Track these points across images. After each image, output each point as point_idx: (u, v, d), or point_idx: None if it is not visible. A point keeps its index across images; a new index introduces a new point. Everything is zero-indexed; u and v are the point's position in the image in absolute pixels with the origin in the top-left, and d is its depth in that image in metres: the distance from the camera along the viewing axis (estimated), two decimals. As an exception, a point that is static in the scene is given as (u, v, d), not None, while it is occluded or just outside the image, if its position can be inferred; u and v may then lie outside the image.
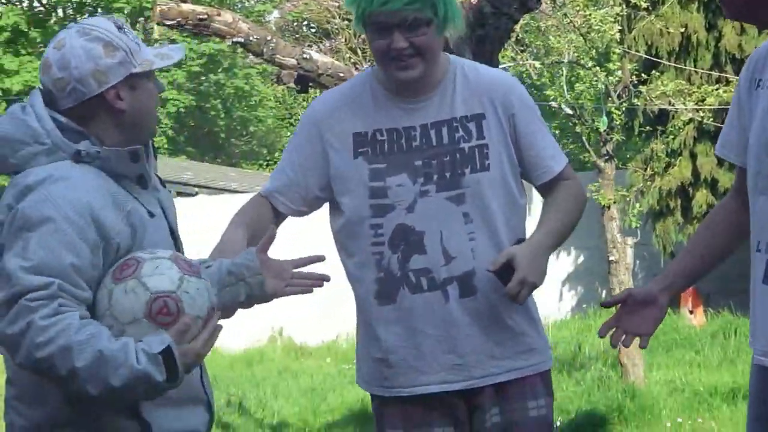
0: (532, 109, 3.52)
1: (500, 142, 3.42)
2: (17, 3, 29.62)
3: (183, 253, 3.04)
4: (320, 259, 3.26)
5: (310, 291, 3.23)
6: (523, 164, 3.47)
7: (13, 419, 2.89)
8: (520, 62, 13.92)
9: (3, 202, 2.83)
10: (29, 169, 2.84)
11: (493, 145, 3.41)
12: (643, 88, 13.24)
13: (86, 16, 30.05)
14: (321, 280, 3.22)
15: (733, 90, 12.33)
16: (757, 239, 2.92)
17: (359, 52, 15.69)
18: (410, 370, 3.43)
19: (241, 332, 14.35)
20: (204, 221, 15.96)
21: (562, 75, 12.91)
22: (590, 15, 12.07)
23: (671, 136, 15.59)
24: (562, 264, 17.28)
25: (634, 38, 15.00)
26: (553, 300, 17.10)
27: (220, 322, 2.86)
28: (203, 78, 30.47)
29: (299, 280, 3.21)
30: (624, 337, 3.23)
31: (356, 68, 11.10)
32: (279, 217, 3.55)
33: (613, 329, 3.27)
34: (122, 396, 2.71)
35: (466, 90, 3.45)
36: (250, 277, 3.10)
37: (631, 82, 13.03)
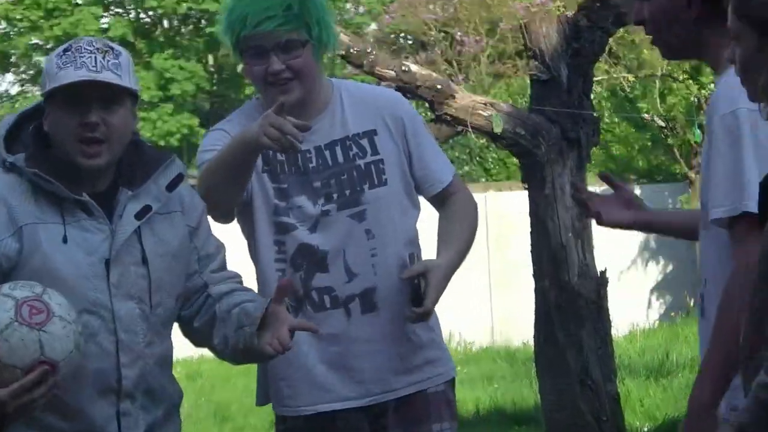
0: (419, 122, 3.53)
1: (394, 156, 3.42)
2: (125, 15, 30.25)
3: (128, 278, 2.89)
4: (316, 330, 3.14)
5: (275, 355, 2.96)
6: (414, 177, 3.46)
7: None
8: (614, 75, 14.04)
9: None
10: None
11: (389, 160, 3.40)
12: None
13: (190, 27, 30.63)
14: (284, 350, 2.92)
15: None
16: None
17: (455, 64, 15.95)
18: (313, 388, 3.37)
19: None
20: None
21: (655, 88, 13.01)
22: (683, 29, 12.14)
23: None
24: (650, 273, 17.34)
25: (727, 52, 15.01)
26: (642, 308, 17.17)
27: None
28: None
29: (276, 340, 2.91)
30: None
31: (452, 80, 11.37)
32: None
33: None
34: None
35: (354, 108, 3.43)
36: (248, 326, 2.93)
37: (723, 95, 13.06)
